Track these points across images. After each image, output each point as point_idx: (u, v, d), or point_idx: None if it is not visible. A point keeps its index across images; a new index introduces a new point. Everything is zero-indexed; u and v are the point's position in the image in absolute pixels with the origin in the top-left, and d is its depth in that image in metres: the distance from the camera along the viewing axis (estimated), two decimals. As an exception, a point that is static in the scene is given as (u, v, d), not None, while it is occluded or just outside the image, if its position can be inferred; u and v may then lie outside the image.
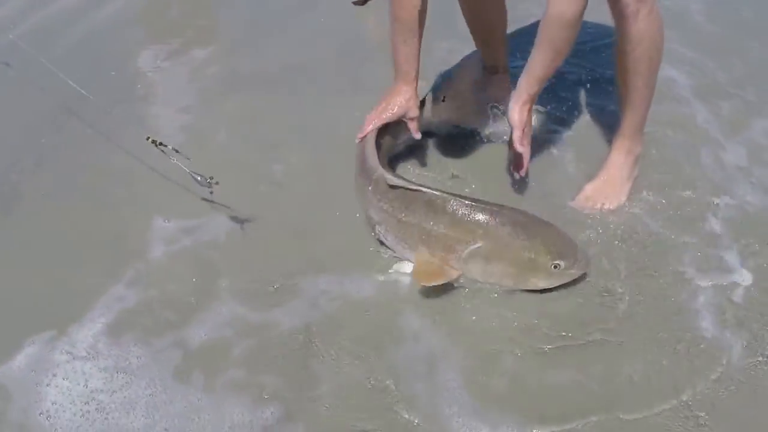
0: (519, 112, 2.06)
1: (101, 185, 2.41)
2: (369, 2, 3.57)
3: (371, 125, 2.26)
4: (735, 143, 2.47)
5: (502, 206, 1.95)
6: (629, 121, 2.23)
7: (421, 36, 2.19)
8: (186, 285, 2.02)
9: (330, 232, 2.16)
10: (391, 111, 2.25)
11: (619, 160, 2.25)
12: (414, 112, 2.28)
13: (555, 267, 1.87)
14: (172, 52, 3.21)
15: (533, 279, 1.90)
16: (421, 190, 1.98)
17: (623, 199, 2.22)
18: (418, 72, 2.24)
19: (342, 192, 2.27)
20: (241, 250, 2.13)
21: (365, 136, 2.25)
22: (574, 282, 1.94)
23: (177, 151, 2.18)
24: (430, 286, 1.93)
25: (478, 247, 1.89)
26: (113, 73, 2.88)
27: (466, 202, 1.93)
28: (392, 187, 2.03)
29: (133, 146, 2.49)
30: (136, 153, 2.47)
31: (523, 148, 2.08)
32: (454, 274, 1.93)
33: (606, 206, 2.19)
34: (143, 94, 2.87)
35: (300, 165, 2.43)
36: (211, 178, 2.14)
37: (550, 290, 1.94)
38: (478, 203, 1.94)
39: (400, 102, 2.25)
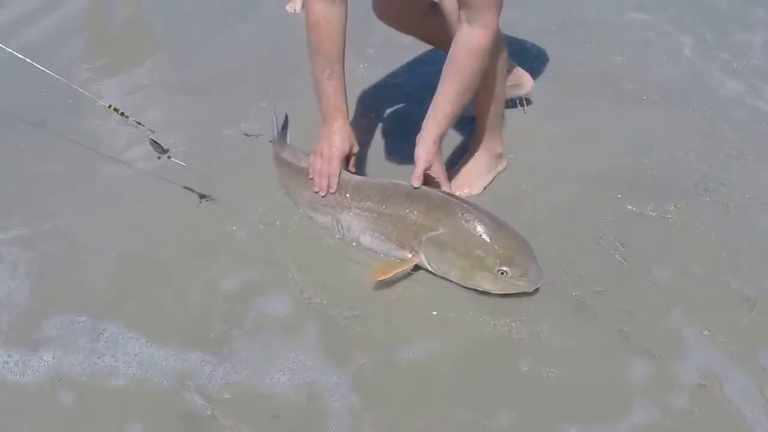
0: (425, 151, 2.01)
1: (35, 197, 2.45)
2: (303, 8, 3.68)
3: (327, 180, 2.14)
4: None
5: (477, 206, 1.98)
6: (481, 124, 2.31)
7: (343, 68, 2.12)
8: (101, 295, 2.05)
9: (266, 239, 2.20)
10: (338, 155, 2.14)
11: (475, 156, 2.35)
12: (356, 148, 2.21)
13: (501, 273, 1.88)
14: (106, 65, 3.26)
15: (478, 277, 1.92)
16: (402, 183, 2.05)
17: (481, 187, 2.31)
18: (347, 104, 2.16)
19: (275, 197, 2.34)
20: (181, 257, 2.17)
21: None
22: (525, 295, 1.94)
23: (139, 123, 2.23)
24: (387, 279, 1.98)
25: (439, 233, 1.95)
26: (44, 89, 2.91)
27: (443, 195, 2.00)
28: (374, 183, 2.10)
29: (65, 158, 2.56)
30: (68, 165, 2.54)
31: (418, 183, 2.02)
32: (408, 264, 1.99)
33: (468, 192, 2.28)
34: (75, 108, 2.91)
35: (231, 170, 2.49)
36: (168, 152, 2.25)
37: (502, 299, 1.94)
38: (455, 198, 2.00)
39: (341, 141, 2.14)
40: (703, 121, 2.69)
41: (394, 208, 2.04)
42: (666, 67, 3.06)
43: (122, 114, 2.26)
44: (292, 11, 3.67)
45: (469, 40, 1.93)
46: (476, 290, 1.95)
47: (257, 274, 2.06)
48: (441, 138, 2.04)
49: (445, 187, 2.09)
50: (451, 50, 1.98)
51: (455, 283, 1.98)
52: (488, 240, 1.91)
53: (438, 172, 2.07)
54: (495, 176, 2.39)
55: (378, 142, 2.61)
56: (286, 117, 2.64)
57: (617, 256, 2.08)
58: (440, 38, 2.20)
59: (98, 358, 1.84)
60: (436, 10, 2.19)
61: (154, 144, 2.29)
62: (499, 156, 2.39)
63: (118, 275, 2.08)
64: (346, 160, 2.20)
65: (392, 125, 2.70)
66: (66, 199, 2.39)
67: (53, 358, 1.85)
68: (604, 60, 3.09)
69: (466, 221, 1.93)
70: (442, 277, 2.00)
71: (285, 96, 2.86)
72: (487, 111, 2.27)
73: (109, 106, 2.26)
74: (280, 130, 2.56)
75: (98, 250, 2.17)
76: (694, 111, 2.75)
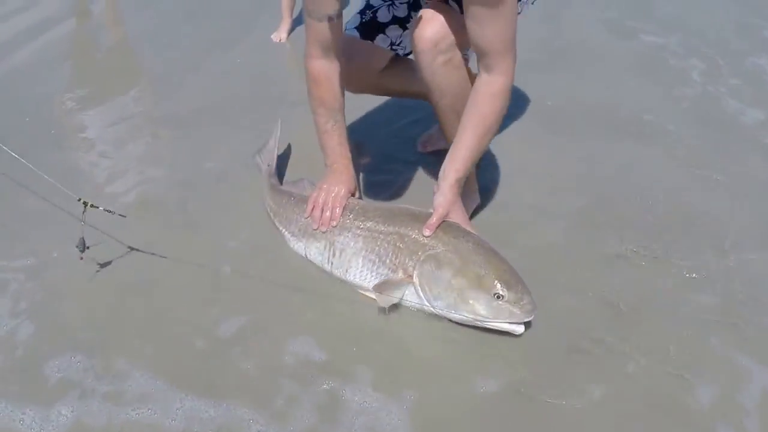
0: (443, 200, 2.01)
1: (13, 230, 2.42)
2: (288, 37, 3.70)
3: (329, 213, 2.15)
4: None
5: (476, 234, 2.01)
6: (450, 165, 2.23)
7: (344, 116, 2.21)
8: (94, 321, 2.01)
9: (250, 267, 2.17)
10: (343, 193, 2.17)
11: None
12: (357, 194, 2.26)
13: (497, 297, 1.86)
14: (90, 95, 3.25)
15: (473, 300, 1.88)
16: (410, 208, 2.08)
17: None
18: (350, 152, 2.23)
19: (258, 228, 2.33)
20: (157, 291, 2.14)
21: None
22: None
23: (110, 212, 2.15)
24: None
25: (438, 251, 1.95)
26: (27, 119, 2.89)
27: (449, 220, 2.01)
28: (380, 206, 2.14)
29: (46, 192, 2.53)
30: (49, 199, 2.51)
31: (429, 233, 2.00)
32: (399, 288, 1.98)
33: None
34: (58, 139, 2.90)
35: (215, 204, 2.47)
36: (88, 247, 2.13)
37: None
38: (455, 223, 2.01)
39: (347, 183, 2.20)
40: (685, 150, 2.72)
41: (395, 227, 2.04)
42: (654, 100, 3.08)
43: (92, 206, 2.12)
44: (278, 40, 3.70)
45: (489, 85, 1.98)
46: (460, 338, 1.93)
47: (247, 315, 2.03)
48: (460, 184, 2.05)
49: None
50: (471, 97, 2.02)
51: (443, 314, 1.94)
52: (488, 262, 1.91)
53: (460, 221, 2.06)
54: (470, 213, 2.37)
55: (375, 181, 2.60)
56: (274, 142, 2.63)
57: (605, 298, 2.06)
58: (407, 88, 2.32)
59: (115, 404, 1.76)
60: (394, 63, 2.28)
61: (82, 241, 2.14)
62: (474, 192, 2.39)
63: (106, 313, 2.03)
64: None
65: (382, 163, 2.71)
66: (47, 235, 2.37)
67: (72, 411, 1.74)
68: (589, 92, 3.11)
69: (467, 242, 1.95)
70: (430, 313, 1.97)
71: (270, 127, 2.84)
72: (460, 154, 2.17)
73: (79, 200, 2.12)
74: (274, 156, 2.55)
75: (82, 289, 2.13)
76: (679, 144, 2.77)
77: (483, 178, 2.46)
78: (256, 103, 3.11)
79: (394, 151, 2.75)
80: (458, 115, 2.09)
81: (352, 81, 2.32)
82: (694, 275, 2.14)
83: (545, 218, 2.38)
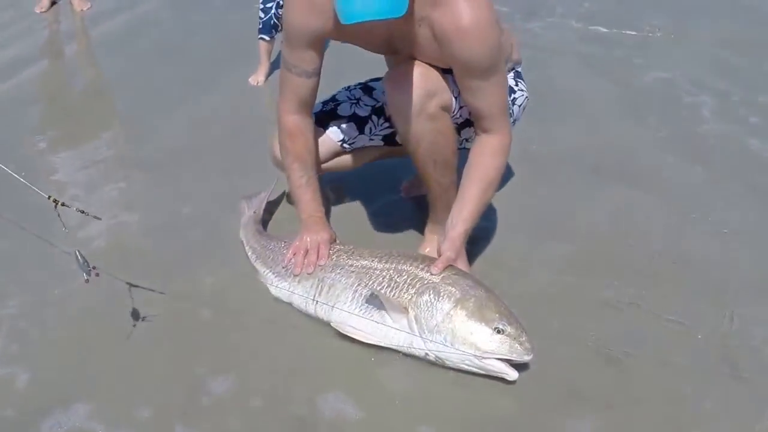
0: (452, 247, 2.02)
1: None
2: (266, 80, 3.67)
3: (314, 257, 2.14)
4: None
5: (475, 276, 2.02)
6: (434, 211, 2.29)
7: (317, 172, 2.24)
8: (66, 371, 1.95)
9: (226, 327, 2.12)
10: (325, 242, 2.17)
11: (433, 239, 2.28)
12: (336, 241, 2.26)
13: (498, 331, 1.83)
14: (62, 137, 3.17)
15: (472, 333, 1.84)
16: (407, 251, 2.10)
17: None
18: (323, 207, 2.26)
19: (236, 272, 2.28)
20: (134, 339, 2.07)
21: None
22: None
23: (83, 212, 2.09)
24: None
25: (435, 283, 1.92)
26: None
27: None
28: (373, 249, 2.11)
29: (14, 235, 2.44)
30: (18, 243, 2.42)
31: (437, 272, 1.98)
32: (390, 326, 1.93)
33: None
34: (29, 180, 2.79)
35: (192, 252, 2.40)
36: (94, 267, 2.05)
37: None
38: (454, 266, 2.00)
39: (325, 236, 2.18)
40: (677, 194, 2.71)
41: (391, 264, 2.01)
42: (641, 142, 3.08)
43: (62, 204, 2.05)
44: (255, 84, 3.66)
45: (489, 142, 2.06)
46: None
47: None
48: (466, 236, 2.07)
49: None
50: (471, 155, 2.09)
51: (436, 353, 1.88)
52: (488, 297, 1.89)
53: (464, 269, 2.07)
54: None
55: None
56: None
57: (598, 347, 2.02)
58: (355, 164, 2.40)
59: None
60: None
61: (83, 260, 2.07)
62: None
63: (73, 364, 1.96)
64: None
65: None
66: (14, 281, 2.28)
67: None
68: (573, 136, 3.10)
69: (466, 279, 1.95)
70: (420, 356, 1.91)
71: (246, 170, 2.82)
72: (441, 197, 2.24)
73: (49, 197, 2.07)
74: (262, 206, 2.50)
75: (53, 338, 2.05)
76: (670, 187, 2.76)
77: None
78: (234, 147, 3.05)
79: (376, 195, 2.70)
80: (435, 163, 2.14)
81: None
82: (688, 326, 2.10)
83: (536, 266, 2.34)
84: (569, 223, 2.56)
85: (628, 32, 4.20)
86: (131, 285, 2.08)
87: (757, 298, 2.21)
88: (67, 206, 2.02)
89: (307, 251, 2.16)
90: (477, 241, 2.37)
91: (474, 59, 1.92)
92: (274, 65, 3.74)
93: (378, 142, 2.40)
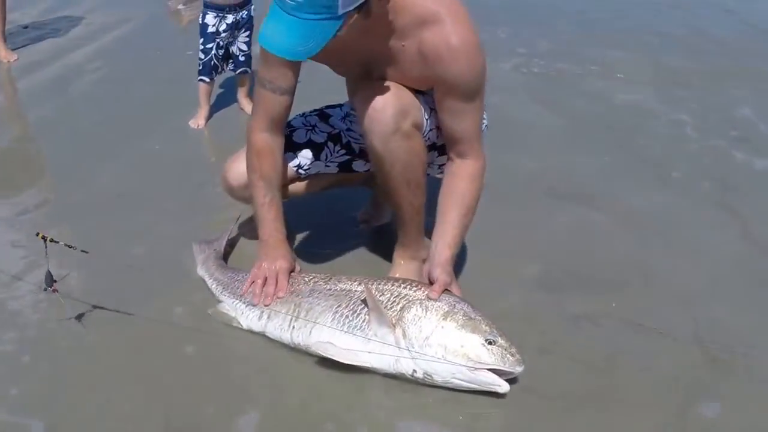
0: (446, 273, 2.01)
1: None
2: (206, 123, 3.61)
3: (272, 288, 2.10)
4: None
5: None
6: (404, 235, 2.25)
7: (281, 193, 2.20)
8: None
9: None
10: (285, 268, 2.13)
11: (402, 265, 2.28)
12: (298, 268, 2.22)
13: (489, 342, 1.81)
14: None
15: (464, 344, 1.81)
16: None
17: None
18: (286, 228, 2.22)
19: (201, 305, 2.19)
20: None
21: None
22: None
23: (71, 247, 2.07)
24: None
25: (420, 299, 1.89)
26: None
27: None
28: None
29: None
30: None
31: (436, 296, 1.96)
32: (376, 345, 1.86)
33: None
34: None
35: (138, 298, 2.25)
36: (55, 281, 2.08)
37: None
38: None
39: (284, 258, 2.15)
40: (631, 212, 2.79)
41: (371, 285, 1.96)
42: (588, 167, 3.16)
43: (51, 240, 2.07)
44: (196, 127, 3.59)
45: (465, 168, 2.08)
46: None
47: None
48: (453, 261, 2.07)
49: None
50: (447, 181, 2.10)
51: (423, 370, 1.83)
52: (475, 310, 1.89)
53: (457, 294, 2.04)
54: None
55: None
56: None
57: (577, 357, 2.02)
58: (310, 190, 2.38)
59: None
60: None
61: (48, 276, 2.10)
62: (425, 259, 2.29)
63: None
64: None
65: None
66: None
67: None
68: (524, 163, 3.15)
69: (451, 295, 1.94)
70: (406, 378, 1.86)
71: (194, 211, 2.74)
72: (413, 219, 2.22)
73: (37, 234, 2.08)
74: (223, 243, 2.42)
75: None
76: (623, 206, 2.84)
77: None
78: (180, 189, 2.95)
79: (333, 227, 2.66)
80: (408, 183, 2.11)
81: (238, 192, 2.31)
82: (663, 331, 2.13)
83: (506, 286, 2.33)
84: (532, 244, 2.57)
85: (572, 67, 4.43)
86: (96, 306, 2.07)
87: (721, 300, 2.29)
88: (56, 242, 2.05)
89: (265, 280, 2.11)
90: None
91: (461, 79, 1.94)
92: (214, 108, 3.71)
93: (333, 169, 2.37)
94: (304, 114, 2.41)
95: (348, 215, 2.70)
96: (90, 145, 3.35)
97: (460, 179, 2.08)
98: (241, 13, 3.50)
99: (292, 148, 2.31)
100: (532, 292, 2.31)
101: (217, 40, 3.49)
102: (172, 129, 3.55)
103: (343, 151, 2.34)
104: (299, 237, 2.57)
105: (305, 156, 2.32)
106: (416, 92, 2.05)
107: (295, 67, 2.06)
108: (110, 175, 3.07)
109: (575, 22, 5.43)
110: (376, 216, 2.66)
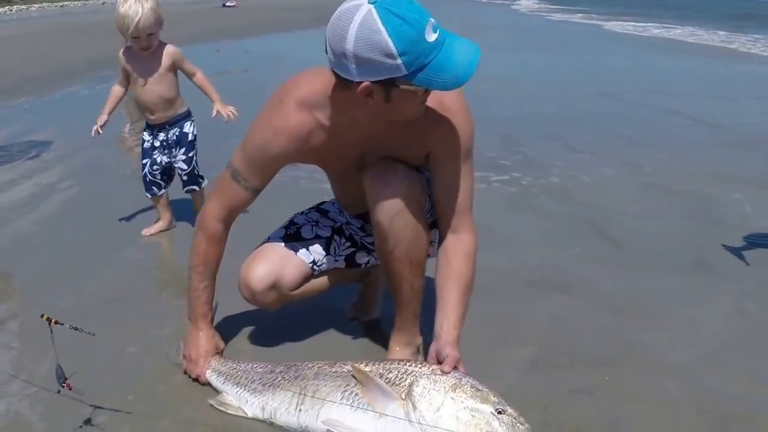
0: (455, 350, 2.01)
1: None
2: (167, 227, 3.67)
3: (204, 377, 2.25)
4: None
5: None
6: (401, 320, 2.27)
7: (214, 281, 2.30)
8: None
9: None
10: (203, 355, 2.27)
11: (398, 352, 2.30)
12: (221, 344, 2.36)
13: (499, 412, 1.84)
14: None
15: (475, 416, 1.83)
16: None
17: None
18: (213, 311, 2.37)
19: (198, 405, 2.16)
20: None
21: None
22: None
23: (77, 329, 2.08)
24: None
25: (427, 373, 1.92)
26: None
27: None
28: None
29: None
30: None
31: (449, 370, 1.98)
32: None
33: None
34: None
35: (137, 395, 2.22)
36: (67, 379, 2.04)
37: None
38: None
39: (205, 343, 2.29)
40: (609, 296, 2.95)
41: (376, 365, 1.98)
42: (560, 262, 3.32)
43: (56, 322, 2.07)
44: (147, 235, 3.59)
45: (461, 245, 2.11)
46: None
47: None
48: (459, 341, 2.07)
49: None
50: (443, 258, 2.11)
51: None
52: (481, 383, 1.92)
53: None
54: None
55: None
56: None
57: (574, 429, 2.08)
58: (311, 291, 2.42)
59: None
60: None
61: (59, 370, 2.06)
62: (419, 346, 2.36)
63: None
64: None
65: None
66: None
67: None
68: (504, 260, 3.29)
69: (456, 371, 1.95)
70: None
71: (181, 312, 2.69)
72: (411, 302, 2.25)
73: (42, 316, 2.08)
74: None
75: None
76: (601, 292, 2.99)
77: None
78: (165, 292, 2.99)
79: (323, 320, 2.69)
80: (411, 264, 2.14)
81: (260, 296, 2.31)
82: (660, 401, 2.22)
83: (499, 369, 2.38)
84: (519, 330, 2.67)
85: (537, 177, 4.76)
86: (96, 407, 2.05)
87: (710, 367, 2.42)
88: (61, 324, 2.05)
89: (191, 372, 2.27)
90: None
91: (455, 139, 2.01)
92: (178, 217, 3.74)
93: (341, 263, 2.42)
94: (302, 212, 2.49)
95: (338, 309, 2.74)
96: (73, 257, 3.34)
97: (456, 258, 2.10)
98: (172, 131, 3.50)
99: (303, 243, 2.36)
100: (527, 373, 2.38)
101: (153, 155, 3.53)
102: (144, 240, 3.59)
103: (348, 244, 2.41)
104: (292, 333, 2.59)
105: (317, 251, 2.36)
106: (419, 171, 2.13)
107: (276, 171, 2.14)
108: (94, 285, 3.05)
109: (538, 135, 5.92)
110: (365, 311, 2.70)
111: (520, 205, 4.22)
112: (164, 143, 3.51)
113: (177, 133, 3.50)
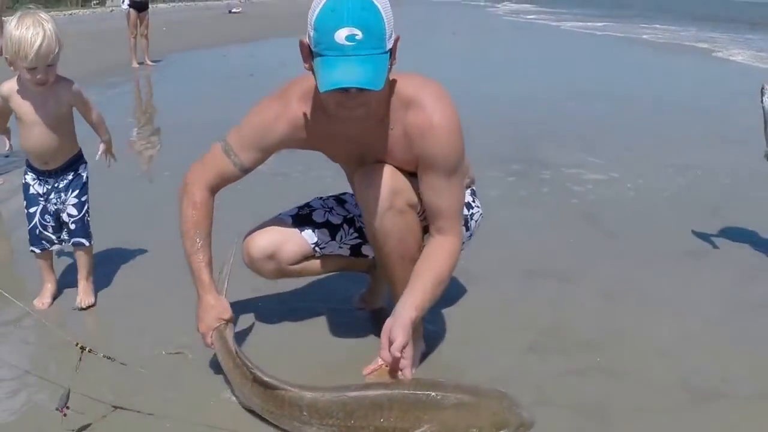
0: (405, 331, 2.00)
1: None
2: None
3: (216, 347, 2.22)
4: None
5: (442, 385, 1.97)
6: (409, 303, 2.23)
7: (210, 241, 2.27)
8: None
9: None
10: (217, 326, 2.23)
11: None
12: (226, 313, 2.26)
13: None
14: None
15: None
16: (360, 394, 1.96)
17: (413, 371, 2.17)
18: (212, 275, 2.28)
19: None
20: None
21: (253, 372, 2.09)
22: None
23: (110, 358, 2.10)
24: None
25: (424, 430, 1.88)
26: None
27: (408, 393, 1.94)
28: (331, 398, 1.97)
29: None
30: None
31: (388, 358, 2.00)
32: None
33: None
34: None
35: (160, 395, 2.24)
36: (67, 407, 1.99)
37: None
38: (420, 389, 1.94)
39: (209, 314, 2.24)
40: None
41: (364, 422, 1.93)
42: (557, 249, 3.45)
43: (89, 350, 2.08)
44: (41, 306, 2.86)
45: (444, 243, 2.17)
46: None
47: None
48: (415, 323, 2.10)
49: (407, 372, 2.04)
50: (425, 252, 2.18)
51: None
52: (474, 415, 1.90)
53: (409, 357, 2.05)
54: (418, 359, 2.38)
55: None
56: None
57: (565, 410, 2.18)
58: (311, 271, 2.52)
59: None
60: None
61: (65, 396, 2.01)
62: (420, 338, 2.43)
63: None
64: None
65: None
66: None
67: None
68: (502, 249, 3.39)
69: (445, 408, 1.91)
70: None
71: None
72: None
73: (76, 344, 2.08)
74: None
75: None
76: (585, 276, 3.09)
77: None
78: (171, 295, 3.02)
79: (331, 308, 2.80)
80: (402, 259, 2.23)
81: (258, 263, 2.41)
82: (652, 382, 2.33)
83: (495, 353, 2.50)
84: (516, 315, 2.79)
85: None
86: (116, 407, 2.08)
87: (698, 349, 2.54)
88: (95, 353, 2.08)
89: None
90: (434, 343, 2.52)
91: (441, 155, 2.09)
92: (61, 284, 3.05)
93: (346, 251, 2.52)
94: (322, 197, 2.59)
95: (346, 299, 2.86)
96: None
97: (438, 252, 2.16)
98: (64, 176, 2.83)
99: (311, 226, 2.47)
100: (522, 356, 2.48)
101: (42, 202, 2.82)
102: (155, 243, 3.57)
103: (355, 234, 2.50)
104: (299, 321, 2.70)
105: (322, 235, 2.47)
106: (411, 175, 2.22)
107: (269, 155, 2.25)
108: (104, 286, 3.05)
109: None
110: (372, 301, 2.82)
111: (516, 196, 4.39)
112: (56, 187, 2.82)
113: (71, 176, 2.84)
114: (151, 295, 2.96)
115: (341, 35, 1.85)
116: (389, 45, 1.92)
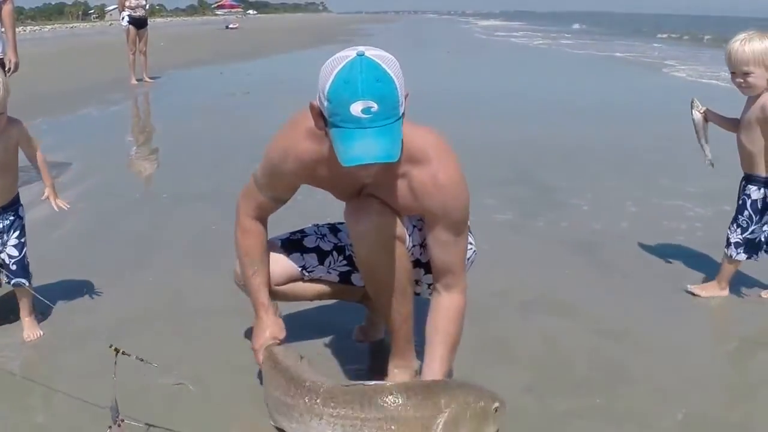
0: None
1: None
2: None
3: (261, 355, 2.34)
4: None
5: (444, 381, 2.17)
6: (395, 344, 2.42)
7: (268, 264, 2.41)
8: None
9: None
10: (260, 348, 2.34)
11: (397, 374, 2.41)
12: (280, 333, 2.38)
13: (496, 410, 2.05)
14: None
15: (485, 428, 2.04)
16: (378, 384, 2.09)
17: None
18: (269, 297, 2.41)
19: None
20: None
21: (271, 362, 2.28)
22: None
23: (142, 360, 2.16)
24: None
25: (446, 414, 2.00)
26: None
27: (421, 382, 2.12)
28: (349, 389, 2.07)
29: None
30: None
31: None
32: None
33: None
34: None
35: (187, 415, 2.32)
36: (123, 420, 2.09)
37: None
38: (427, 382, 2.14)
39: (261, 334, 2.36)
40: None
41: (380, 413, 2.00)
42: (550, 284, 3.45)
43: (123, 353, 2.14)
44: (29, 339, 2.86)
45: (452, 304, 2.24)
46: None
47: None
48: None
49: None
50: (434, 317, 2.25)
51: None
52: (477, 393, 2.09)
53: None
54: None
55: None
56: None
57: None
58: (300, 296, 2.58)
59: None
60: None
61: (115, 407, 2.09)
62: (417, 370, 2.45)
63: None
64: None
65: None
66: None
67: None
68: (497, 283, 3.35)
69: (459, 391, 2.07)
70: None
71: (204, 335, 2.88)
72: (401, 327, 2.37)
73: (110, 346, 2.14)
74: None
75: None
76: (579, 311, 3.16)
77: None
78: (180, 315, 3.09)
79: (331, 341, 2.82)
80: (394, 291, 2.27)
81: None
82: (645, 421, 2.36)
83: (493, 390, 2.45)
84: (510, 351, 2.81)
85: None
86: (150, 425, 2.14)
87: (697, 392, 2.54)
88: (127, 354, 2.14)
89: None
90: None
91: (449, 213, 2.13)
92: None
93: (334, 277, 2.54)
94: (317, 224, 2.63)
95: (346, 330, 2.88)
96: (90, 277, 3.41)
97: (446, 319, 2.24)
98: (6, 217, 2.83)
99: (300, 250, 2.52)
100: (520, 395, 2.46)
101: None
102: (170, 257, 3.73)
103: (344, 262, 2.53)
104: (302, 351, 2.69)
105: (311, 259, 2.52)
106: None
107: (295, 189, 2.33)
108: (111, 303, 3.17)
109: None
110: (371, 332, 2.84)
111: (513, 228, 4.42)
112: None
113: (11, 217, 2.84)
114: (151, 320, 3.01)
115: (357, 108, 1.84)
116: (402, 110, 1.93)
